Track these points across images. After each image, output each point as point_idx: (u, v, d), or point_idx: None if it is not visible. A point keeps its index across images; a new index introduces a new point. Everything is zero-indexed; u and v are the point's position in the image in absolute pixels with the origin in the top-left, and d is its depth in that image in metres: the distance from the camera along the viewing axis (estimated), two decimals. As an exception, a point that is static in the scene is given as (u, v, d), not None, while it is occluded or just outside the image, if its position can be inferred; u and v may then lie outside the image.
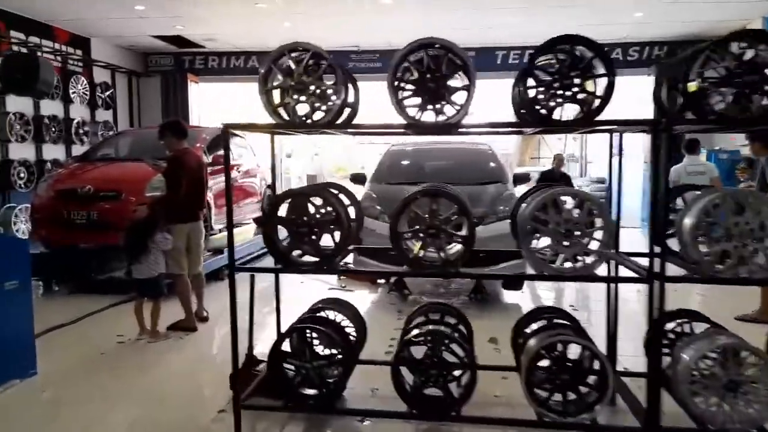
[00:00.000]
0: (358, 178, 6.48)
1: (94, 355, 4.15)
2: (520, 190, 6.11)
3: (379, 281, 6.15)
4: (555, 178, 7.59)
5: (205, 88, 11.76)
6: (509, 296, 5.89)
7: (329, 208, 2.75)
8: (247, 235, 7.76)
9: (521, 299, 5.79)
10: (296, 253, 2.83)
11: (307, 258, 2.84)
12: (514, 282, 5.60)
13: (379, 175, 6.03)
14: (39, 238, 6.02)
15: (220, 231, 6.78)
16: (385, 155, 6.45)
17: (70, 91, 9.16)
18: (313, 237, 2.76)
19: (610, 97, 2.55)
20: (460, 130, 2.76)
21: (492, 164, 6.20)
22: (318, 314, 3.32)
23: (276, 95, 2.83)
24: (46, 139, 8.56)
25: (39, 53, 8.53)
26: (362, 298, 5.80)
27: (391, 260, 5.08)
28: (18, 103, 8.12)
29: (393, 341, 4.28)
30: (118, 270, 6.51)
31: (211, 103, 12.17)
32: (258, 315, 3.52)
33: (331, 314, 3.36)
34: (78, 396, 3.45)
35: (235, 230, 7.50)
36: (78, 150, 9.02)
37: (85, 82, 9.51)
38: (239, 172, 7.49)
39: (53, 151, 8.80)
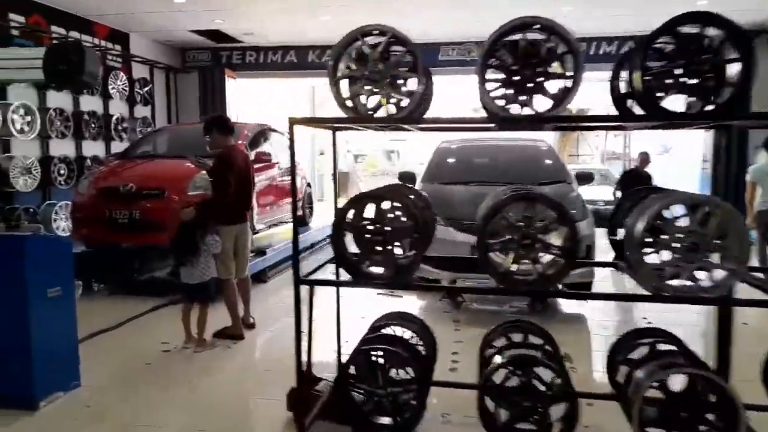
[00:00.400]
0: (406, 177, 6.15)
1: (139, 365, 3.92)
2: (583, 191, 5.68)
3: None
4: (643, 180, 6.81)
5: (242, 84, 11.59)
6: (569, 305, 5.48)
7: (403, 213, 2.42)
8: (288, 234, 7.53)
9: (583, 309, 5.37)
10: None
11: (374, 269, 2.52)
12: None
13: (430, 174, 5.66)
14: (80, 237, 5.86)
15: (259, 231, 6.55)
16: (435, 153, 6.08)
17: (110, 86, 9.07)
18: (387, 246, 2.44)
19: (748, 85, 2.15)
20: (557, 124, 2.41)
21: (552, 162, 5.77)
22: (383, 331, 3.00)
23: (343, 86, 2.53)
24: (86, 136, 8.48)
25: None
26: (412, 305, 5.46)
27: (449, 267, 4.76)
28: (58, 99, 8.05)
29: (455, 356, 3.95)
30: (159, 270, 6.34)
31: (247, 99, 12.00)
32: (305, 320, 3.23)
33: (398, 330, 3.04)
34: (124, 410, 3.22)
35: (277, 229, 7.24)
36: (117, 147, 8.94)
37: (124, 77, 9.42)
38: (280, 169, 7.24)
39: (92, 148, 8.72)
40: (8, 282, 3.09)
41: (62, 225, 7.89)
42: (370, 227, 2.43)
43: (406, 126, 2.56)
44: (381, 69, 2.43)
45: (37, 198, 7.71)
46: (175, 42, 10.65)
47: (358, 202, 2.48)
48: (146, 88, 10.04)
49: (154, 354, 4.12)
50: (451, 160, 5.94)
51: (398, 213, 2.43)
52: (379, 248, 2.43)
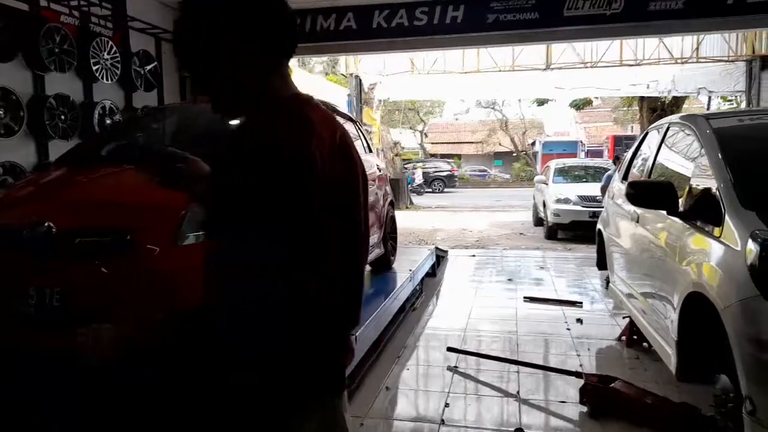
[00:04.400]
0: (655, 194, 2.85)
1: None
2: None
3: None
4: None
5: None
6: None
7: None
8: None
9: None
10: None
11: None
12: None
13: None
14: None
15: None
16: (723, 145, 2.66)
17: (92, 61, 6.11)
18: None
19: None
20: None
21: None
22: None
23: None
24: (52, 133, 5.51)
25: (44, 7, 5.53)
26: None
27: None
28: (5, 76, 5.10)
29: None
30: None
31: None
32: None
33: None
34: None
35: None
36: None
37: (115, 50, 6.44)
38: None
39: (62, 151, 5.73)
40: None
41: None
42: None
43: None
44: None
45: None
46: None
47: None
48: (149, 67, 7.06)
49: None
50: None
51: None
52: None
